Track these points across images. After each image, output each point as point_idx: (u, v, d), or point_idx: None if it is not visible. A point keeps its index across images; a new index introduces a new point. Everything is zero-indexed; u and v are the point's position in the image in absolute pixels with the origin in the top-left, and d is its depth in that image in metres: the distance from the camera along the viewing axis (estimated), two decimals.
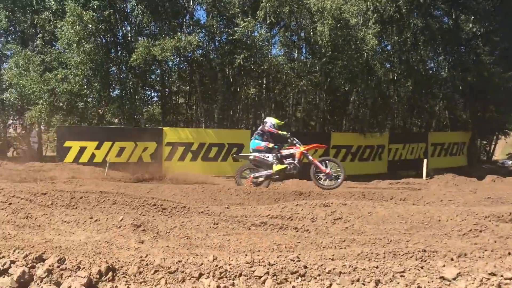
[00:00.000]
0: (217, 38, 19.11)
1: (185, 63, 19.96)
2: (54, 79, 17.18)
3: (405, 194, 8.76)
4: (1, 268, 2.91)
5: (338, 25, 17.18)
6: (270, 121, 10.83)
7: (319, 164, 10.17)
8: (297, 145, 10.49)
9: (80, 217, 5.49)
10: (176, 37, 16.57)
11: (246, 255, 3.67)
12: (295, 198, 8.27)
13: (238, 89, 20.20)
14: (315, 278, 3.10)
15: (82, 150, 15.06)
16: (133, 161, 15.10)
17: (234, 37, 17.19)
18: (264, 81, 20.09)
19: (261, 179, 10.50)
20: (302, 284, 3.01)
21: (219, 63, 19.04)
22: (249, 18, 16.86)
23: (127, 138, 15.39)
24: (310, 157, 10.38)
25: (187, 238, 4.90)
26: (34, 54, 18.36)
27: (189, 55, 18.34)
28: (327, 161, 10.47)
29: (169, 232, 5.07)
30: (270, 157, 10.32)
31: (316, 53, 18.39)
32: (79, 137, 15.30)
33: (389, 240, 4.53)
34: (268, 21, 17.85)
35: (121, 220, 5.29)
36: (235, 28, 17.20)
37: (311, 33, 18.24)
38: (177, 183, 11.06)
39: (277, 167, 10.13)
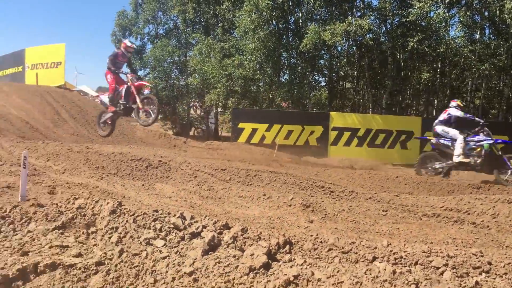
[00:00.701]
0: (389, 20, 20.01)
1: (354, 47, 21.38)
2: (231, 65, 20.40)
3: None
4: (195, 231, 3.45)
5: None
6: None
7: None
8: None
9: (254, 193, 6.51)
10: (346, 21, 18.05)
11: (420, 245, 3.77)
12: (471, 192, 8.33)
13: (409, 74, 20.81)
14: (501, 276, 3.08)
15: (253, 131, 17.73)
16: (300, 144, 17.34)
17: (407, 19, 17.83)
18: (439, 65, 20.12)
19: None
20: (486, 281, 2.97)
21: (390, 46, 19.92)
22: None
23: (295, 121, 17.55)
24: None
25: (355, 222, 5.47)
26: (215, 42, 22.07)
27: (359, 39, 19.67)
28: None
29: (337, 215, 5.76)
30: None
31: (503, 33, 17.90)
32: (251, 119, 17.89)
33: None
34: (447, 0, 18.14)
35: (291, 199, 6.12)
36: (409, 10, 17.90)
37: (497, 11, 17.84)
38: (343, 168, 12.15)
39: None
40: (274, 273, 2.90)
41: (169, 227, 3.59)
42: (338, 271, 2.93)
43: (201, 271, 2.97)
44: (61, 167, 7.65)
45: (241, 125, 17.67)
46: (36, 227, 3.66)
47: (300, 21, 21.31)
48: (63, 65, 20.64)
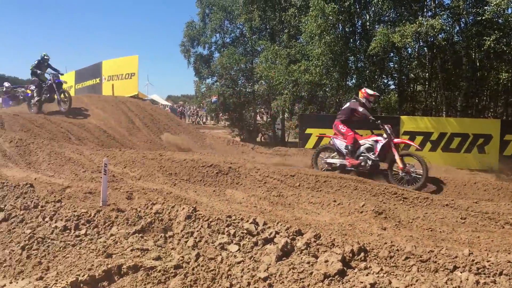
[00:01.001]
0: (462, 19, 19.19)
1: (425, 48, 20.67)
2: (297, 71, 20.42)
3: None
4: (268, 237, 3.51)
5: None
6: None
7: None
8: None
9: (325, 200, 6.51)
10: (417, 22, 17.49)
11: (505, 255, 3.63)
12: None
13: (486, 74, 19.74)
14: None
15: (321, 137, 17.70)
16: None
17: (483, 17, 17.06)
18: None
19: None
20: None
21: (464, 46, 19.05)
22: None
23: (364, 126, 17.02)
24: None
25: (431, 230, 5.35)
26: (281, 48, 22.21)
27: (431, 39, 19.02)
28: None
29: (411, 222, 5.65)
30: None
31: None
32: (319, 125, 17.75)
33: None
34: None
35: (362, 206, 6.07)
36: (485, 7, 17.07)
37: None
38: None
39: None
40: (349, 281, 2.88)
41: (242, 233, 3.66)
42: (416, 280, 2.85)
43: (275, 276, 3.01)
44: (137, 174, 8.03)
45: (308, 130, 17.61)
46: (118, 230, 3.88)
47: (368, 23, 20.95)
48: (136, 76, 21.66)
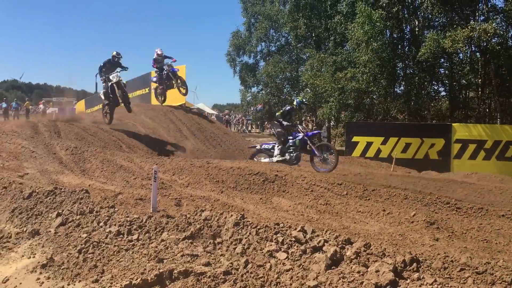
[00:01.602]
0: None
1: (478, 53, 20.04)
2: (344, 78, 20.26)
3: None
4: (317, 245, 3.45)
5: None
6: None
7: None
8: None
9: (373, 209, 6.40)
10: (469, 26, 16.99)
11: None
12: None
13: None
14: None
15: (368, 145, 17.35)
16: (419, 157, 16.53)
17: None
18: None
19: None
20: None
21: None
22: None
23: (413, 134, 16.79)
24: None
25: (486, 242, 5.19)
26: (327, 56, 22.09)
27: (484, 44, 18.43)
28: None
29: (465, 233, 5.50)
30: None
31: None
32: (366, 133, 17.50)
33: None
34: None
35: (413, 216, 5.95)
36: None
37: None
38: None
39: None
40: None
41: (290, 240, 3.65)
42: None
43: (325, 285, 2.98)
44: (185, 181, 8.18)
45: (355, 138, 17.42)
46: (169, 236, 3.97)
47: (417, 29, 20.52)
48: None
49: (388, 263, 3.10)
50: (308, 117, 27.99)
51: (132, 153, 11.47)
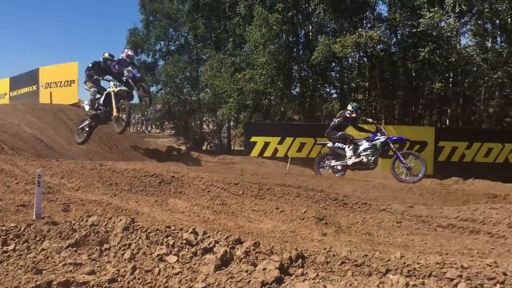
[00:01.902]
0: (399, 31, 20.13)
1: (365, 58, 21.46)
2: (243, 79, 20.51)
3: None
4: (208, 247, 3.47)
5: None
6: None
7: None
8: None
9: (267, 207, 6.48)
10: (357, 33, 18.14)
11: (434, 256, 3.73)
12: (487, 201, 8.20)
13: (422, 84, 20.79)
14: None
15: (266, 144, 17.74)
16: (313, 156, 17.11)
17: (418, 30, 17.89)
18: (451, 75, 20.14)
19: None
20: None
21: (401, 57, 19.95)
22: (436, 8, 17.36)
23: (308, 134, 17.55)
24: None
25: (369, 235, 5.41)
26: (226, 57, 22.24)
27: (370, 50, 19.74)
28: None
29: (350, 227, 5.72)
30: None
31: None
32: (263, 133, 17.87)
33: None
34: (457, 9, 18.10)
35: (304, 212, 6.07)
36: (420, 20, 17.89)
37: (509, 19, 17.75)
38: None
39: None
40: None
41: (181, 243, 3.59)
42: (350, 285, 2.90)
43: (213, 286, 2.97)
44: (75, 185, 7.70)
45: (253, 138, 17.69)
46: (50, 245, 3.70)
47: (310, 34, 21.44)
48: (77, 84, 20.86)
49: (275, 261, 3.17)
50: (208, 118, 27.95)
51: (16, 156, 10.58)
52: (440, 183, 11.70)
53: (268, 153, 17.38)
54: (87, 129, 12.74)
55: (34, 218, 5.04)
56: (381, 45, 19.63)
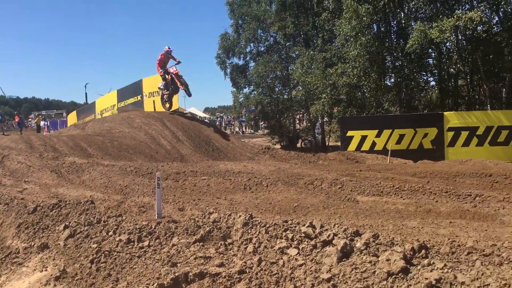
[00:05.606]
0: (502, 9, 18.67)
1: (465, 42, 20.23)
2: (335, 74, 20.34)
3: None
4: (327, 239, 3.51)
5: None
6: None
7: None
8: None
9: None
10: (455, 16, 17.10)
11: None
12: None
13: None
14: None
15: (363, 138, 17.39)
16: (413, 148, 16.65)
17: None
18: None
19: None
20: None
21: (505, 37, 18.55)
22: None
23: (406, 125, 16.92)
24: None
25: None
26: (316, 53, 22.22)
27: (470, 33, 18.57)
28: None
29: None
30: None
31: None
32: (360, 126, 17.61)
33: None
34: None
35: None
36: None
37: None
38: None
39: None
40: (414, 277, 2.87)
41: (300, 236, 3.69)
42: (482, 274, 2.82)
43: (338, 277, 3.04)
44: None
45: (350, 133, 17.45)
46: (179, 240, 3.99)
47: (403, 21, 20.65)
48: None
49: (397, 251, 3.16)
50: (301, 115, 28.04)
51: (134, 161, 11.45)
52: None
53: (365, 146, 17.07)
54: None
55: (156, 217, 5.46)
56: (482, 26, 18.36)
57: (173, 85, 17.00)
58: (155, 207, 5.55)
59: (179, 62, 17.14)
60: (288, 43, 25.90)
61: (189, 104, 79.52)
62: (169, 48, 16.94)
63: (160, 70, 16.86)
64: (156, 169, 9.04)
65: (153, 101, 21.20)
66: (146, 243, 4.06)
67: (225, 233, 4.08)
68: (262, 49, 28.35)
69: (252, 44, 28.44)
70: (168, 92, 17.34)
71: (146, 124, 15.49)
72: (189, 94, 17.42)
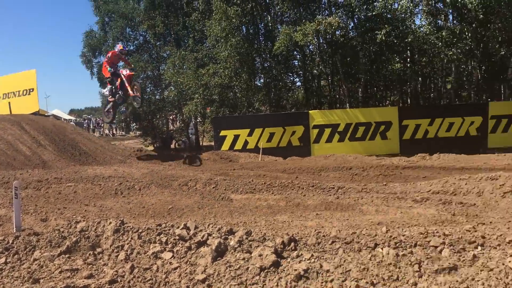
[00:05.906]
0: (356, 15, 20.47)
1: (325, 45, 21.74)
2: (207, 74, 20.40)
3: None
4: (201, 240, 3.57)
5: None
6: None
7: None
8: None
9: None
10: (316, 21, 18.29)
11: (418, 227, 4.04)
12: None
13: (381, 66, 21.32)
14: (495, 248, 3.31)
15: (236, 137, 17.78)
16: (282, 145, 17.44)
17: (373, 13, 18.28)
18: (409, 55, 20.70)
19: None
20: (482, 253, 3.21)
21: (360, 41, 20.37)
22: None
23: (276, 123, 17.69)
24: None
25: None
26: (188, 53, 22.11)
27: (329, 36, 20.04)
28: None
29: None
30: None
31: (466, 18, 18.51)
32: (232, 126, 17.93)
33: None
34: None
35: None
36: (374, 3, 18.32)
37: None
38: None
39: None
40: (284, 270, 3.00)
41: (174, 239, 3.65)
42: (344, 261, 3.05)
43: (213, 276, 3.06)
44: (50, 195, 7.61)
45: (222, 132, 17.71)
46: (42, 254, 3.68)
47: (270, 24, 21.56)
48: (36, 92, 20.28)
49: (269, 246, 3.33)
50: (174, 116, 27.67)
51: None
52: (407, 160, 12.15)
53: (238, 146, 17.43)
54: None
55: (14, 230, 4.97)
56: (339, 31, 19.90)
57: (121, 91, 13.81)
58: (13, 219, 5.05)
59: (133, 69, 14.87)
60: (158, 43, 25.38)
61: (52, 106, 73.77)
62: (123, 48, 14.48)
63: (109, 70, 13.70)
64: (14, 178, 8.22)
65: (9, 102, 19.32)
66: (2, 260, 3.66)
67: (94, 242, 3.86)
68: (132, 48, 27.37)
69: (120, 43, 27.27)
70: (113, 99, 14.06)
71: (1, 128, 13.98)
72: (140, 104, 15.25)
